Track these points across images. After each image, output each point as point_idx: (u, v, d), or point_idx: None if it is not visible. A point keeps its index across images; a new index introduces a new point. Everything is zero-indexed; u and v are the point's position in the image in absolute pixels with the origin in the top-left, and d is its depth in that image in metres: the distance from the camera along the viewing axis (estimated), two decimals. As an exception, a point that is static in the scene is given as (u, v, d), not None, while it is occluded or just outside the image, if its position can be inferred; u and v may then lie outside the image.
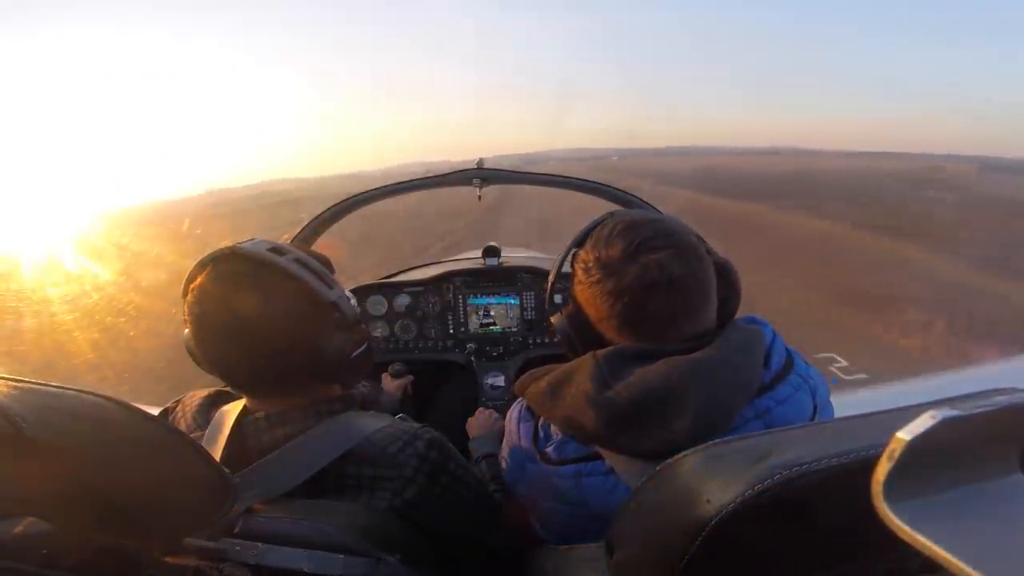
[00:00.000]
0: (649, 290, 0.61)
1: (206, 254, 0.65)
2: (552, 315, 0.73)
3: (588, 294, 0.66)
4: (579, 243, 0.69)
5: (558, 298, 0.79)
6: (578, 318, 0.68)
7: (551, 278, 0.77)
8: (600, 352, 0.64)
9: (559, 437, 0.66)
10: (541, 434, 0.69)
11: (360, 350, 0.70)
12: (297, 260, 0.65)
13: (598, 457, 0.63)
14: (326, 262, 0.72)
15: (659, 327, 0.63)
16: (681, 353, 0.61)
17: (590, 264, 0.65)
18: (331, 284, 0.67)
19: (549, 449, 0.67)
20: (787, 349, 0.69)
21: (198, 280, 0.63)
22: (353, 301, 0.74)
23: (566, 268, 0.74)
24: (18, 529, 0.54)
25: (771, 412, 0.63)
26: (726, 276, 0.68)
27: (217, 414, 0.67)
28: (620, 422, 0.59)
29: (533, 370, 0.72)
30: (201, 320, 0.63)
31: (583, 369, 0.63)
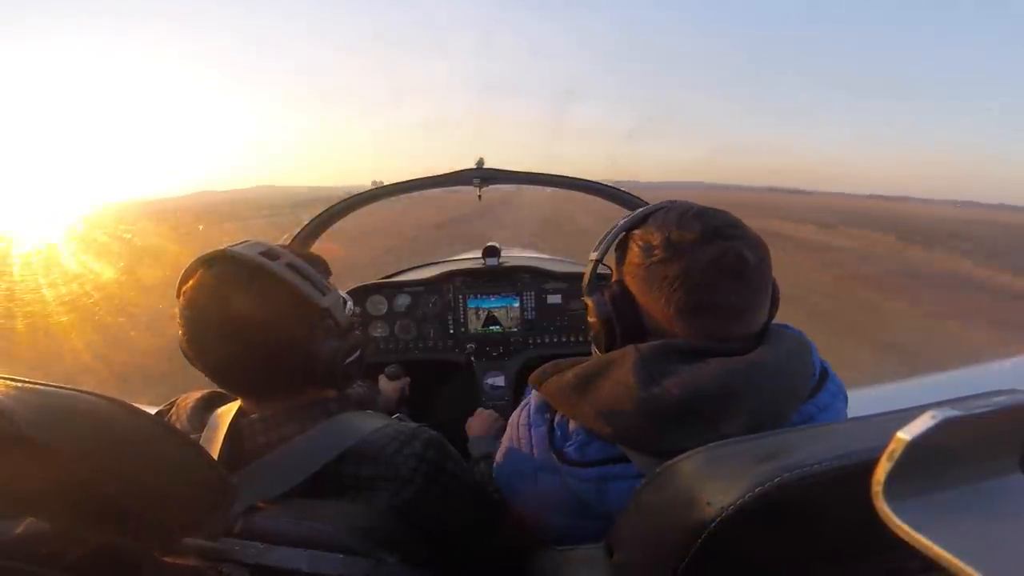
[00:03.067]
0: (722, 276, 0.58)
1: (199, 256, 0.64)
2: (591, 296, 0.68)
3: (644, 275, 0.62)
4: (635, 225, 0.66)
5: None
6: (623, 299, 0.64)
7: (596, 256, 0.72)
8: (644, 345, 0.60)
9: (581, 437, 0.62)
10: (557, 432, 0.65)
11: (353, 357, 0.69)
12: (290, 265, 0.64)
13: (624, 459, 0.59)
14: (322, 264, 0.72)
15: (721, 317, 0.60)
16: (730, 354, 0.58)
17: (654, 244, 0.61)
18: (324, 289, 0.66)
19: (569, 449, 0.62)
20: (820, 359, 0.67)
21: (190, 282, 0.63)
22: (350, 304, 0.73)
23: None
24: (18, 529, 0.54)
25: (815, 419, 0.61)
26: None
27: (212, 416, 0.67)
28: (665, 421, 0.55)
29: (552, 362, 0.68)
30: (192, 322, 0.62)
31: (623, 362, 0.59)
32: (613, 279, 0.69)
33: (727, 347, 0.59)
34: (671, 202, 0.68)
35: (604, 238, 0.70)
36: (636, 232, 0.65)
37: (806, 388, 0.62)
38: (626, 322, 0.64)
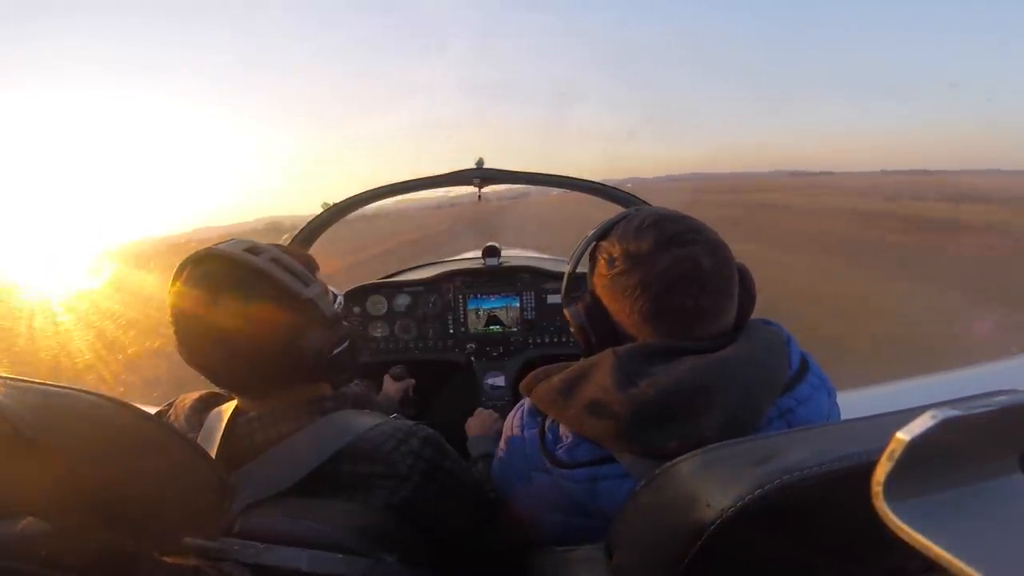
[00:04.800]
0: (677, 283, 0.61)
1: (186, 256, 0.65)
2: (567, 307, 0.72)
3: (610, 285, 0.65)
4: (602, 235, 0.69)
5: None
6: (595, 310, 0.67)
7: (569, 269, 0.76)
8: (621, 348, 0.63)
9: (570, 439, 0.63)
10: (549, 436, 0.66)
11: (341, 348, 0.69)
12: (273, 259, 0.65)
13: (612, 460, 0.61)
14: (308, 260, 0.72)
15: (683, 322, 0.62)
16: (704, 352, 0.60)
17: (615, 255, 0.64)
18: (308, 282, 0.67)
19: (559, 452, 0.64)
20: (801, 351, 0.69)
21: (178, 282, 0.63)
22: (340, 299, 0.74)
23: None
24: (18, 529, 0.54)
25: (794, 412, 0.62)
26: (743, 280, 0.68)
27: (210, 415, 0.68)
28: (645, 419, 0.57)
29: (542, 368, 0.70)
30: (180, 321, 0.63)
31: (602, 365, 0.62)
32: (587, 289, 0.71)
33: (700, 345, 0.61)
34: (636, 210, 0.70)
35: (577, 249, 0.74)
36: (603, 243, 0.68)
37: (782, 380, 0.63)
38: (600, 330, 0.67)
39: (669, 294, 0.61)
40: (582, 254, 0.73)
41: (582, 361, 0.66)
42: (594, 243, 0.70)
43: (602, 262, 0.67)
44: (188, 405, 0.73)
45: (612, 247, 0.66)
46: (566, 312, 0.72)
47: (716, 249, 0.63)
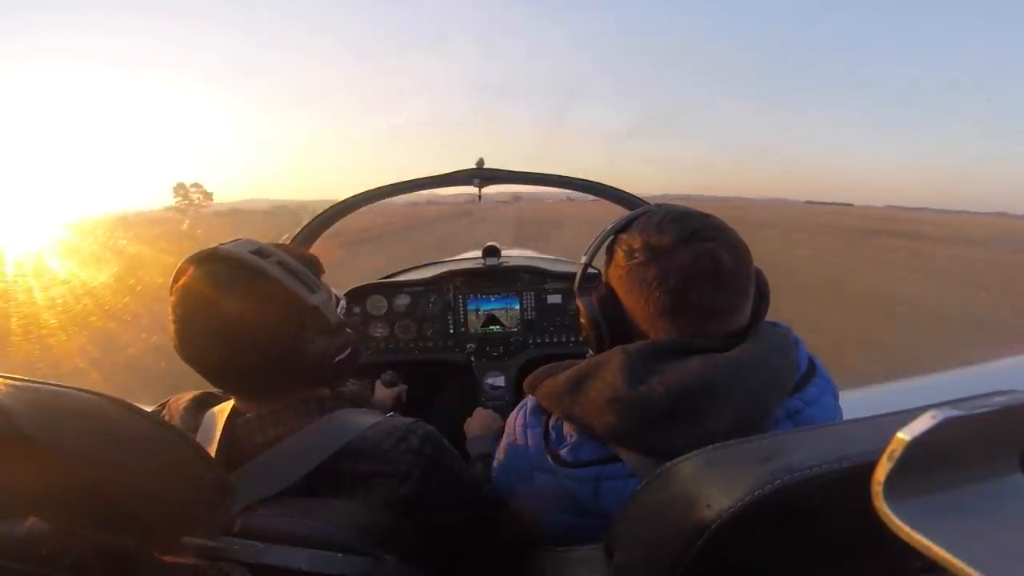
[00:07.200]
0: (696, 278, 0.60)
1: (191, 254, 0.65)
2: (580, 298, 0.71)
3: (627, 277, 0.65)
4: (622, 228, 0.69)
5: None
6: (609, 302, 0.67)
7: (585, 260, 0.76)
8: (631, 346, 0.62)
9: (574, 438, 0.63)
10: (553, 435, 0.66)
11: (344, 355, 0.69)
12: (280, 263, 0.64)
13: (617, 459, 0.60)
14: (315, 263, 0.72)
15: (699, 318, 0.62)
16: (715, 351, 0.60)
17: (635, 247, 0.64)
18: (314, 288, 0.66)
19: (563, 451, 0.63)
20: (808, 353, 0.69)
21: (181, 280, 0.63)
22: (343, 303, 0.73)
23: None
24: (18, 529, 0.54)
25: (801, 413, 0.62)
26: (757, 282, 0.68)
27: (207, 415, 0.67)
28: (653, 419, 0.57)
29: (546, 366, 0.70)
30: (183, 320, 0.63)
31: (611, 363, 0.61)
32: (601, 281, 0.71)
33: (711, 345, 0.61)
34: (658, 206, 0.69)
35: (594, 241, 0.73)
36: (622, 236, 0.68)
37: (791, 382, 0.63)
38: (612, 323, 0.67)
39: (687, 289, 0.61)
40: (599, 246, 0.73)
41: (590, 358, 0.66)
42: (612, 236, 0.70)
43: (620, 253, 0.66)
44: (183, 405, 0.73)
45: (632, 239, 0.65)
46: (579, 303, 0.71)
47: (736, 247, 0.63)
